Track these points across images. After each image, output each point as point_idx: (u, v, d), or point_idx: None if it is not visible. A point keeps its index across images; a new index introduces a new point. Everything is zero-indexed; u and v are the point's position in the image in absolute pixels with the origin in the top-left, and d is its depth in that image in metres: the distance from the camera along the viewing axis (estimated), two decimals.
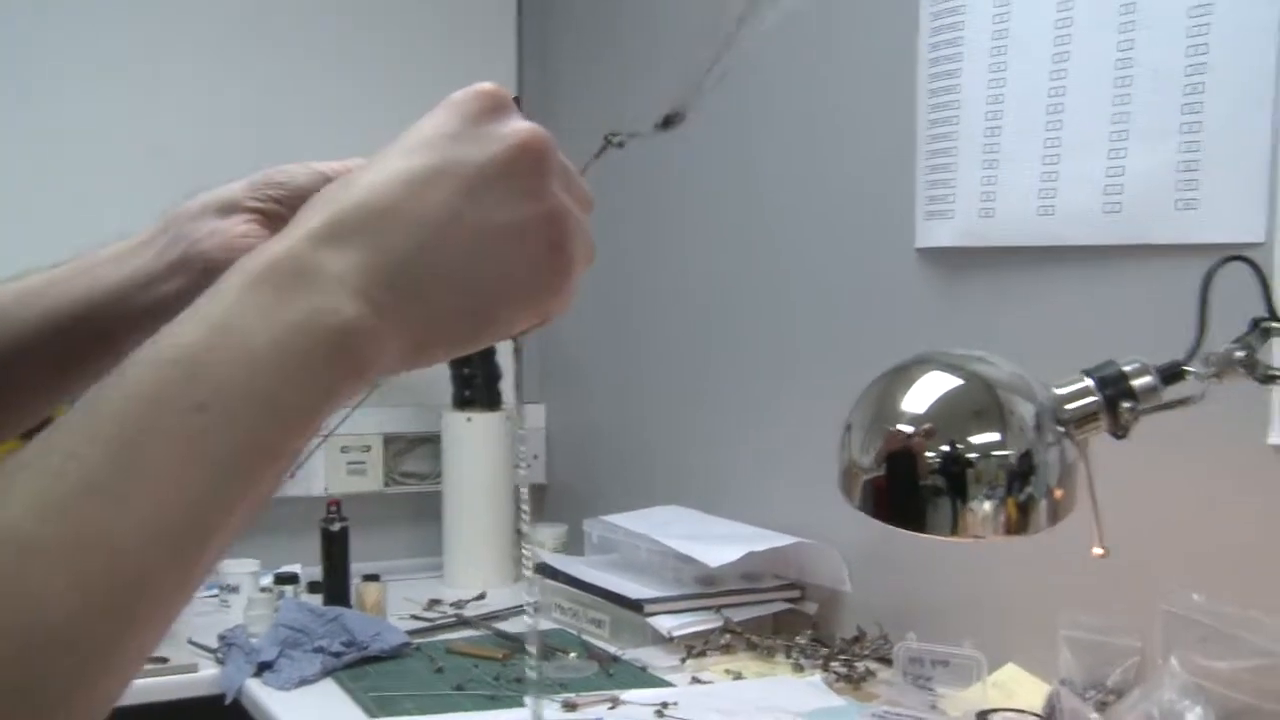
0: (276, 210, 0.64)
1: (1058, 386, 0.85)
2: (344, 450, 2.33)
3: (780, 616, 1.74)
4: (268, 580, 1.98)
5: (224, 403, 0.41)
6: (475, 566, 2.16)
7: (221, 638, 1.70)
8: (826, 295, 1.74)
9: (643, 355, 2.20)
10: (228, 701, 1.57)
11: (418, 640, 1.76)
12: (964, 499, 0.80)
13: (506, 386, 2.43)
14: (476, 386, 2.21)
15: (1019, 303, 1.44)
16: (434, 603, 2.01)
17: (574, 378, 2.44)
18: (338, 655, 1.62)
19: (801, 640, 1.65)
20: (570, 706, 1.45)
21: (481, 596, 2.04)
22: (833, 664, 1.58)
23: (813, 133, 1.76)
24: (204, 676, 1.62)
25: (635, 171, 2.17)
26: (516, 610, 1.95)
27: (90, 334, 0.65)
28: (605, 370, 2.33)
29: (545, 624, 1.87)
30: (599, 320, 2.33)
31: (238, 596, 1.92)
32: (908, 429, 0.82)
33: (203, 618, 1.89)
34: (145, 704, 1.57)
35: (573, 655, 1.66)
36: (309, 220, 0.46)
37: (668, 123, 0.67)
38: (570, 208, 0.49)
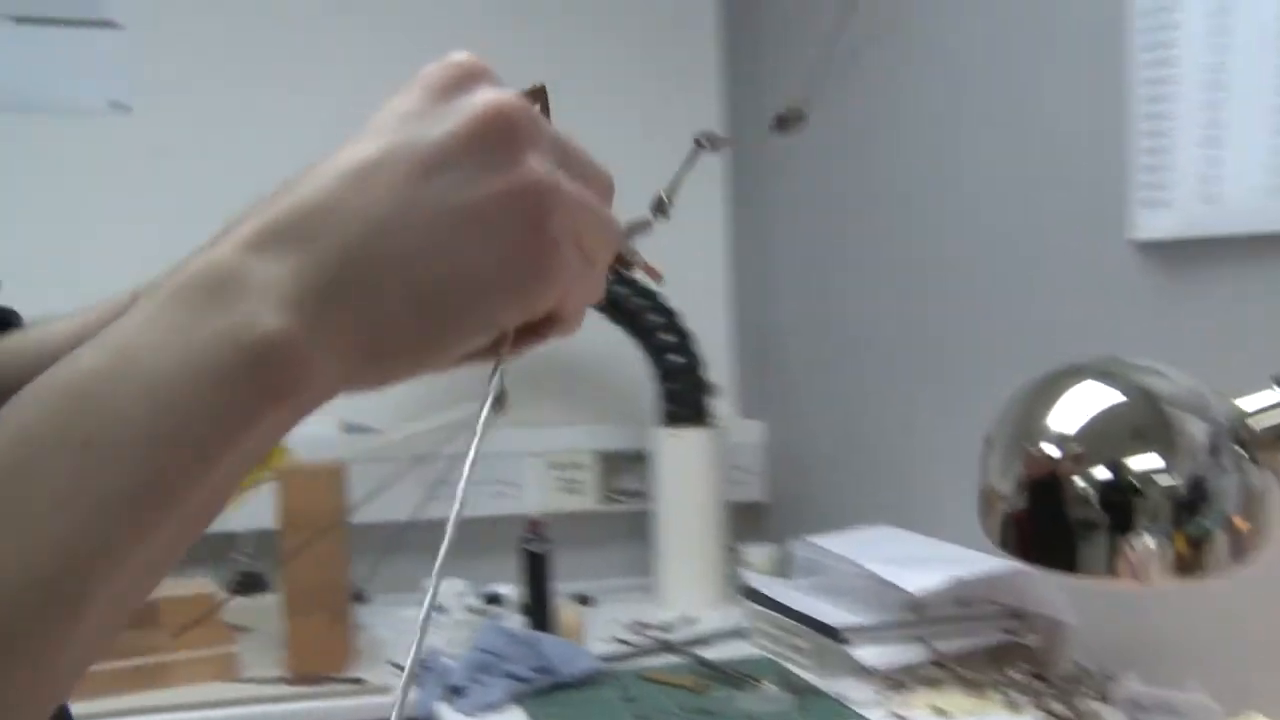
0: None
1: (1242, 399, 0.71)
2: (556, 467, 2.32)
3: (998, 649, 1.59)
4: (475, 601, 1.98)
5: (115, 436, 0.37)
6: (685, 588, 2.10)
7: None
8: (1044, 300, 1.59)
9: (863, 367, 2.08)
10: None
11: (614, 666, 1.72)
12: (1121, 534, 0.68)
13: (723, 401, 2.37)
14: (683, 402, 2.15)
15: (1251, 299, 1.26)
16: (640, 625, 1.96)
17: (794, 392, 2.35)
18: (527, 681, 1.60)
19: (1017, 675, 1.50)
20: None
21: (687, 620, 1.97)
22: (1050, 703, 1.43)
23: (1015, 116, 1.62)
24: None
25: (841, 175, 2.06)
26: (723, 634, 1.87)
27: None
28: (825, 384, 2.23)
29: (748, 650, 1.79)
30: (817, 332, 2.23)
31: (446, 617, 1.92)
32: (1053, 451, 0.70)
33: (413, 637, 1.91)
34: None
35: (767, 685, 1.57)
36: (244, 225, 0.40)
37: (782, 124, 0.60)
38: (554, 182, 0.42)
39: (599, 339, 2.22)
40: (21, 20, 2.22)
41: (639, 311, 2.15)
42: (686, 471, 2.13)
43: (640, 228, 0.55)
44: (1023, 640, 1.58)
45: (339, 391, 0.42)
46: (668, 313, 2.16)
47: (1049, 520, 0.70)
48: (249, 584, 1.97)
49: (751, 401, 2.47)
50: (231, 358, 0.38)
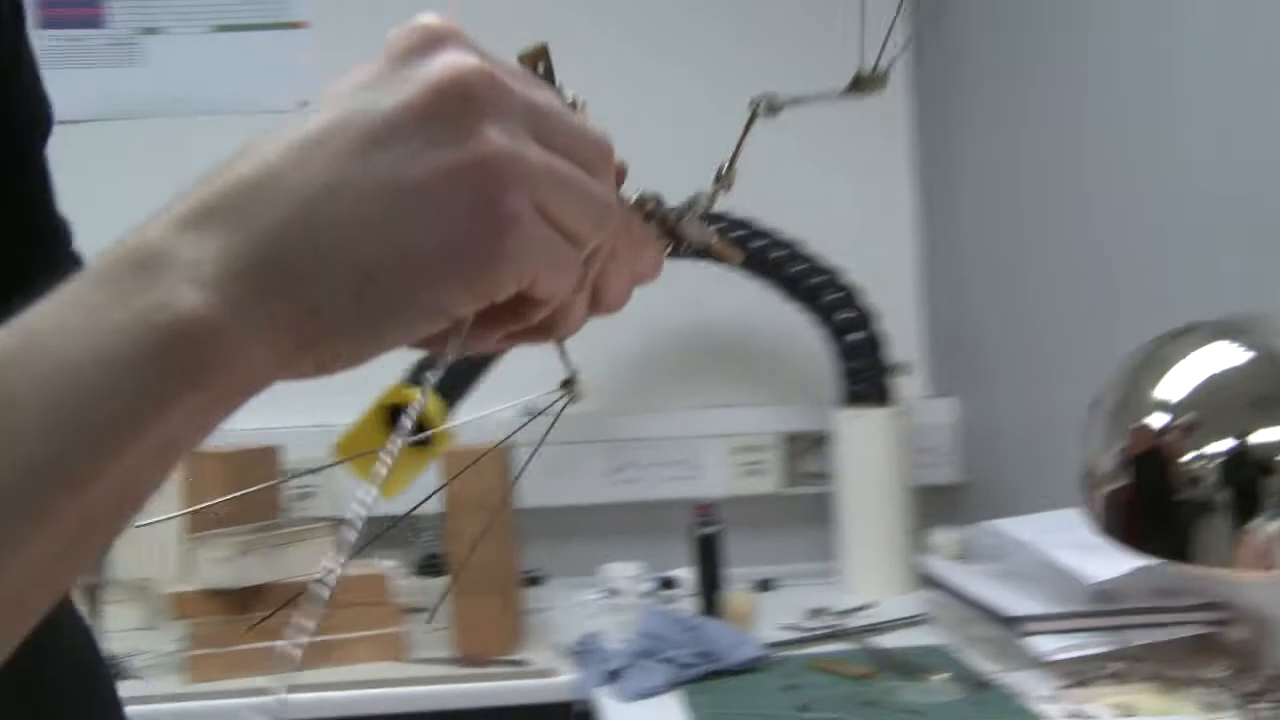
0: None
1: None
2: (739, 450, 2.27)
3: (1197, 644, 1.46)
4: (649, 585, 1.96)
5: (14, 422, 0.35)
6: (868, 573, 2.02)
7: (578, 643, 1.68)
8: (1240, 274, 1.44)
9: (1059, 341, 1.95)
10: (574, 710, 1.55)
11: (781, 653, 1.66)
12: (1242, 516, 0.59)
13: (912, 379, 2.27)
14: (865, 380, 2.07)
15: None
16: (815, 612, 1.89)
17: (987, 368, 2.23)
18: (688, 667, 1.56)
19: (1216, 673, 1.37)
20: None
21: (868, 606, 1.90)
22: (1254, 704, 1.30)
23: (1221, 81, 1.47)
24: (559, 682, 1.61)
25: (1036, 139, 1.94)
26: (903, 622, 1.79)
27: None
28: (1019, 359, 2.10)
29: (927, 639, 1.70)
30: (1011, 305, 2.11)
31: (618, 601, 1.91)
32: (1160, 421, 0.61)
33: (586, 620, 1.90)
34: (500, 706, 1.60)
35: (938, 677, 1.49)
36: (183, 200, 0.38)
37: (858, 86, 0.55)
38: (514, 153, 0.38)
39: (779, 318, 2.16)
40: (219, 29, 2.32)
41: (817, 289, 2.07)
42: (869, 453, 2.04)
43: (700, 202, 0.50)
44: (1225, 635, 1.45)
45: (273, 379, 0.39)
46: (847, 289, 2.08)
47: (1156, 501, 0.61)
48: (431, 566, 2.01)
49: (943, 379, 2.36)
50: (144, 338, 0.36)
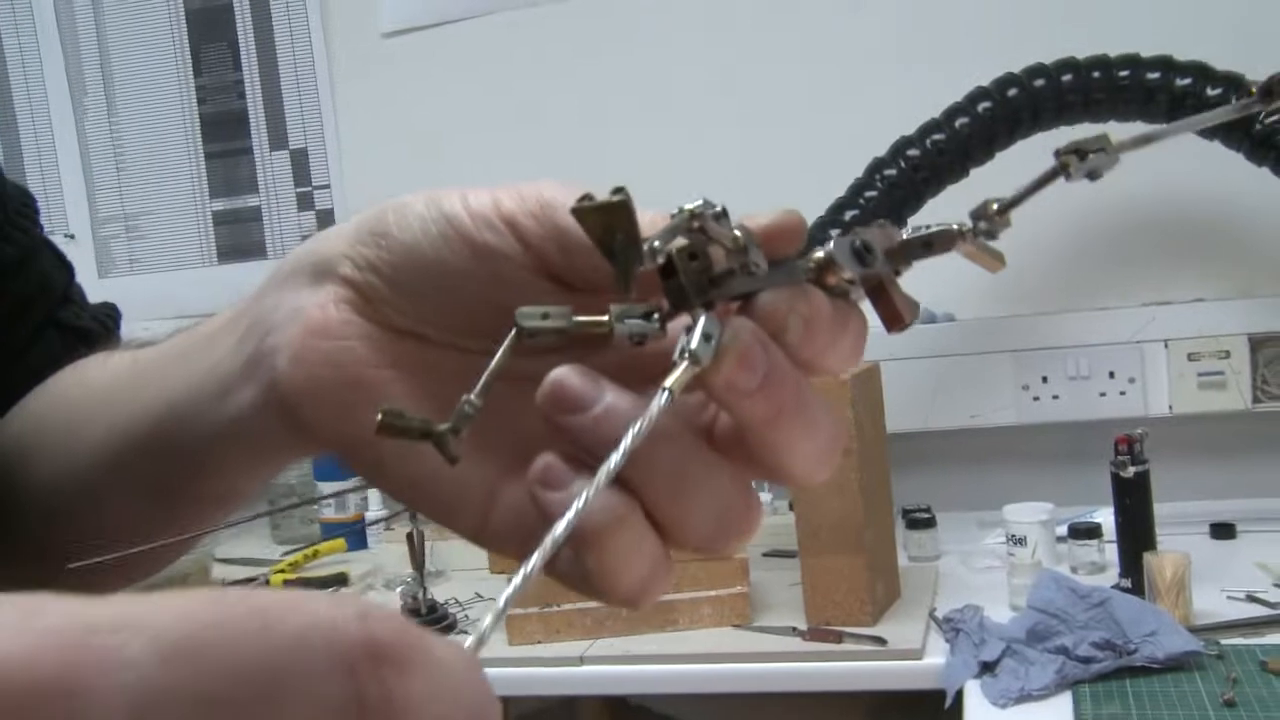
0: (372, 285, 0.37)
1: None
2: (1192, 358, 1.81)
3: None
4: (1063, 531, 1.59)
5: None
6: None
7: (946, 620, 1.36)
8: None
9: None
10: (947, 705, 1.24)
11: (1225, 640, 1.26)
12: None
13: None
14: None
15: None
16: None
17: None
18: (1087, 662, 1.21)
19: None
20: None
21: None
22: None
23: None
24: (923, 666, 1.30)
25: None
26: None
27: (168, 456, 0.44)
28: None
29: None
30: None
31: (1022, 552, 1.55)
32: None
33: (978, 575, 1.58)
34: (853, 692, 1.34)
35: None
36: None
37: (1271, 93, 0.35)
38: None
39: (1244, 185, 1.68)
40: None
41: None
42: None
43: (941, 241, 0.34)
44: None
45: None
46: None
47: None
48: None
49: None
50: None
